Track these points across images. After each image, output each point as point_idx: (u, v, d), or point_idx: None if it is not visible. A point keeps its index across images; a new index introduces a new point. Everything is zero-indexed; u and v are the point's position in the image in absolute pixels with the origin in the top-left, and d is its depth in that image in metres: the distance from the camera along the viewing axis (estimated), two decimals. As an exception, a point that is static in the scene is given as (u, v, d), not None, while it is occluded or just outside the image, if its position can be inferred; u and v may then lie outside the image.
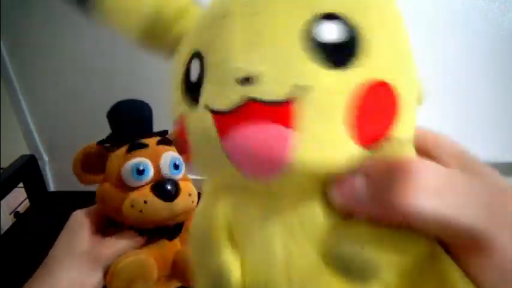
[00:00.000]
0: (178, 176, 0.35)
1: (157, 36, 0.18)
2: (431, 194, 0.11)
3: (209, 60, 0.13)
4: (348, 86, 0.12)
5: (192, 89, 0.14)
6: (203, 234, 0.16)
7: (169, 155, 0.35)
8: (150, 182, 0.33)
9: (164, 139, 0.37)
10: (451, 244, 0.13)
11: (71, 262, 0.31)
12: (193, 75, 0.14)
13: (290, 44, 0.12)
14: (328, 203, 0.14)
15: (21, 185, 0.56)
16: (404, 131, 0.14)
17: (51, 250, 0.33)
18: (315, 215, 0.14)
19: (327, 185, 0.13)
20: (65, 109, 0.57)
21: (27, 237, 0.50)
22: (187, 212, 0.35)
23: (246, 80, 0.12)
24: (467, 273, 0.12)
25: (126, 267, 0.33)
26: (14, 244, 0.48)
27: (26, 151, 0.60)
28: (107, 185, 0.34)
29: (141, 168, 0.33)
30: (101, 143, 0.36)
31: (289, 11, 0.12)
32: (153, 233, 0.35)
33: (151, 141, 0.35)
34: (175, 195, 0.33)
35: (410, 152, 0.14)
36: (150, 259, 0.35)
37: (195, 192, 0.36)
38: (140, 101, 0.37)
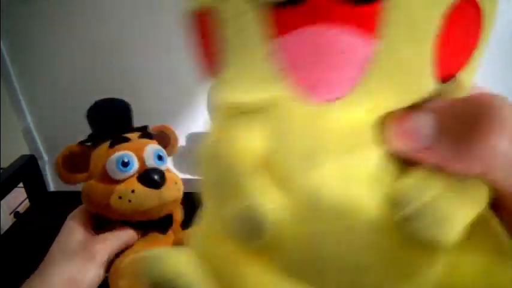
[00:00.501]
0: (163, 167, 0.36)
1: None
2: None
3: None
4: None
5: None
6: (226, 171, 0.13)
7: (152, 147, 0.36)
8: (136, 173, 0.34)
9: (146, 133, 0.37)
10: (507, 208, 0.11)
11: (64, 260, 0.31)
12: None
13: None
14: (387, 148, 0.11)
15: (21, 185, 0.56)
16: (474, 68, 0.12)
17: (48, 251, 0.33)
18: (374, 160, 0.12)
19: (385, 124, 0.11)
20: (65, 109, 0.57)
21: (27, 237, 0.50)
22: (175, 201, 0.36)
23: None
24: None
25: (129, 267, 0.32)
26: (14, 244, 0.48)
27: (26, 151, 0.60)
28: (92, 182, 0.34)
29: (125, 160, 0.33)
30: (82, 142, 0.36)
31: None
32: (145, 227, 0.36)
33: (133, 136, 0.36)
34: (162, 183, 0.34)
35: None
36: None
37: (180, 182, 0.36)
38: (118, 99, 0.38)
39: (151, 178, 0.33)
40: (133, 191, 0.33)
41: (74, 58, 0.53)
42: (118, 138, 0.35)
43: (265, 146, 0.12)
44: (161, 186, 0.34)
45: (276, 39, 0.10)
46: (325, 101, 0.10)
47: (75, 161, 0.35)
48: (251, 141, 0.12)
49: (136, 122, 0.39)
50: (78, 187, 0.36)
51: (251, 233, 0.12)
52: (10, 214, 1.11)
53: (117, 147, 0.34)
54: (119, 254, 0.34)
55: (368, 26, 0.09)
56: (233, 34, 0.11)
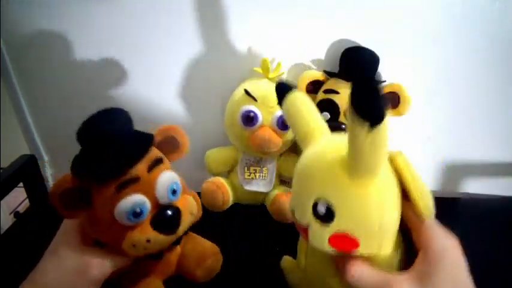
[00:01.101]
0: (177, 198, 0.33)
1: None
2: None
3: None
4: (329, 232, 0.27)
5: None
6: None
7: (165, 181, 0.31)
8: (149, 215, 0.31)
9: (156, 161, 0.32)
10: None
11: (57, 280, 0.30)
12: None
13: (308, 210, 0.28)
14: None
15: (21, 185, 0.56)
16: (365, 250, 0.28)
17: (40, 261, 0.31)
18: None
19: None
20: (65, 109, 0.57)
21: (27, 237, 0.50)
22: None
23: None
24: None
25: None
26: (14, 244, 0.48)
27: (26, 151, 0.60)
28: (99, 222, 0.31)
29: (138, 210, 0.29)
30: (77, 174, 0.30)
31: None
32: None
33: (141, 169, 0.30)
34: (178, 224, 0.31)
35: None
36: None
37: (194, 203, 0.34)
38: (117, 111, 0.31)
39: (167, 225, 0.31)
40: (148, 241, 0.30)
41: (75, 58, 0.53)
42: (125, 182, 0.29)
43: None
44: (177, 228, 0.31)
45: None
46: None
47: (71, 195, 0.30)
48: None
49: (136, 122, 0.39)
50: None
51: None
52: (10, 214, 1.11)
53: (125, 191, 0.29)
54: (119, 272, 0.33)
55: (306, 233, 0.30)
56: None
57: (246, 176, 0.53)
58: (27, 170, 0.57)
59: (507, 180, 0.60)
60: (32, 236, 0.49)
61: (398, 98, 0.49)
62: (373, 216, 0.26)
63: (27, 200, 0.57)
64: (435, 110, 0.55)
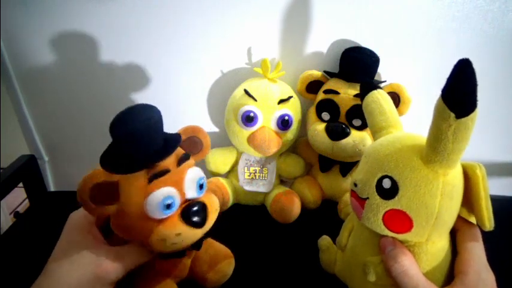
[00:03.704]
0: (203, 194, 0.33)
1: None
2: None
3: None
4: (386, 207, 0.29)
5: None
6: None
7: (193, 176, 0.32)
8: (178, 209, 0.31)
9: (184, 156, 0.33)
10: None
11: (73, 272, 0.29)
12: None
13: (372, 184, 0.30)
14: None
15: (21, 185, 0.56)
16: (415, 236, 0.28)
17: (50, 260, 0.30)
18: None
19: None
20: (65, 109, 0.57)
21: (27, 237, 0.50)
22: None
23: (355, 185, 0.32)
24: None
25: None
26: (14, 244, 0.48)
27: (26, 151, 0.60)
28: (125, 216, 0.30)
29: (169, 202, 0.30)
30: (108, 167, 0.29)
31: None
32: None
33: (171, 163, 0.31)
34: (206, 219, 0.32)
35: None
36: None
37: (217, 201, 0.34)
38: (148, 107, 0.31)
39: (196, 219, 0.31)
40: (179, 235, 0.30)
41: (75, 58, 0.53)
42: (157, 173, 0.30)
43: None
44: (205, 222, 0.31)
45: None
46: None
47: (100, 191, 0.29)
48: None
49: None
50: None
51: None
52: (10, 214, 1.11)
53: (156, 182, 0.29)
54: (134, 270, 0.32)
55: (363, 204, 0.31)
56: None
57: (246, 176, 0.53)
58: (27, 170, 0.57)
59: (507, 180, 0.60)
60: (32, 236, 0.50)
61: (399, 98, 0.49)
62: (434, 203, 0.27)
63: (27, 200, 0.57)
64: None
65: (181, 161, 0.32)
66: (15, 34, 0.51)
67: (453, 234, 0.30)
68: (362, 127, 0.48)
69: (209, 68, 0.54)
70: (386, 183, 0.28)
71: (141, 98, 0.56)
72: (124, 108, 0.30)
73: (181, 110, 0.57)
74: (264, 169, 0.53)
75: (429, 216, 0.27)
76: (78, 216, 0.33)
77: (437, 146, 0.25)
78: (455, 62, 0.24)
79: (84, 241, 0.31)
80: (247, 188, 0.53)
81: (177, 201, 0.30)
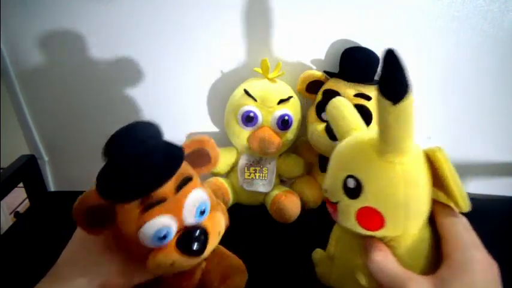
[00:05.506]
0: (205, 218, 0.31)
1: None
2: None
3: None
4: (356, 206, 0.29)
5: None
6: None
7: (193, 202, 0.30)
8: (175, 236, 0.29)
9: (185, 180, 0.30)
10: None
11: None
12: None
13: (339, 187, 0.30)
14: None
15: (21, 185, 0.56)
16: (391, 230, 0.28)
17: (60, 262, 0.30)
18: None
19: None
20: (66, 109, 0.57)
21: (27, 237, 0.50)
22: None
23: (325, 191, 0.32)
24: None
25: None
26: (14, 244, 0.48)
27: (26, 151, 0.60)
28: (122, 238, 0.29)
29: (163, 234, 0.28)
30: (102, 193, 0.27)
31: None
32: None
33: (169, 189, 0.29)
34: (205, 247, 0.29)
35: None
36: None
37: (222, 223, 0.32)
38: (146, 127, 0.29)
39: (193, 248, 0.29)
40: (172, 264, 0.28)
41: (75, 58, 0.53)
42: (151, 203, 0.28)
43: None
44: (203, 251, 0.29)
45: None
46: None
47: (97, 212, 0.28)
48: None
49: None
50: (78, 187, 0.36)
51: None
52: (10, 214, 1.11)
53: (151, 211, 0.28)
54: None
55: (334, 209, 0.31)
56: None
57: (246, 177, 0.53)
58: (27, 170, 0.57)
59: (507, 180, 0.60)
60: (32, 236, 0.50)
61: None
62: (398, 194, 0.27)
63: (27, 200, 0.58)
64: (435, 110, 0.55)
65: (181, 185, 0.29)
66: (15, 34, 0.51)
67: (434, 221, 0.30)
68: (362, 127, 0.48)
69: (209, 68, 0.54)
70: (351, 183, 0.28)
71: (141, 98, 0.56)
72: (119, 128, 0.28)
73: (182, 110, 0.57)
74: (264, 169, 0.53)
75: (398, 207, 0.27)
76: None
77: (385, 136, 0.26)
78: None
79: (96, 248, 0.31)
80: (247, 188, 0.53)
81: (174, 230, 0.29)
